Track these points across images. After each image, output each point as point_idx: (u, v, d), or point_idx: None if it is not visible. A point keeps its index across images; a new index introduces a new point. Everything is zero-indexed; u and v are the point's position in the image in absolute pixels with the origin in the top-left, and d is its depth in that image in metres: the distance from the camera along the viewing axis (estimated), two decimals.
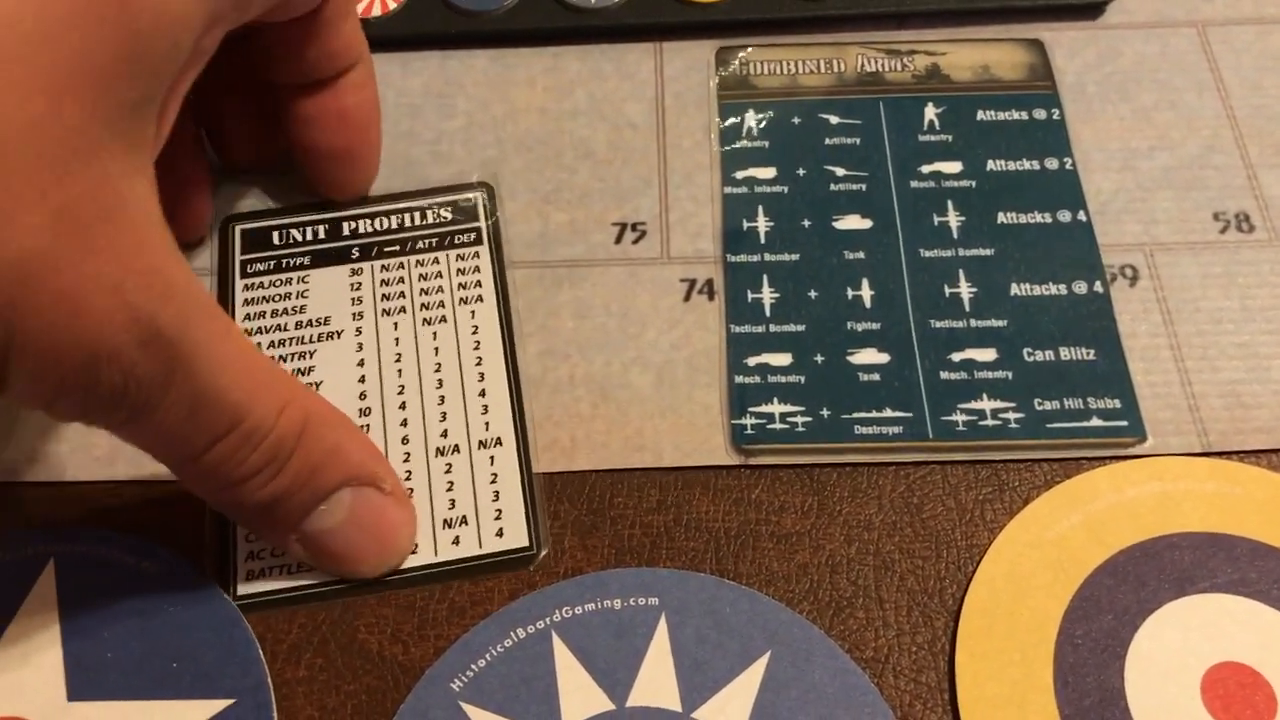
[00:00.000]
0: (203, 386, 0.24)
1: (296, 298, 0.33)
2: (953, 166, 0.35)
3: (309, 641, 0.29)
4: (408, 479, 0.31)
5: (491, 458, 0.31)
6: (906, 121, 0.36)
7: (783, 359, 0.32)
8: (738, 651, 0.28)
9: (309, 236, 0.35)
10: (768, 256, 0.34)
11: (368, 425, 0.32)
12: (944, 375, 0.32)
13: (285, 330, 0.33)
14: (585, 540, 0.30)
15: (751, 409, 0.31)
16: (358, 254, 0.34)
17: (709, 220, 0.35)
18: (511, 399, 0.32)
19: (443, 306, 0.33)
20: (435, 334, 0.33)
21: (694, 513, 0.30)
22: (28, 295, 0.20)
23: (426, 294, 0.33)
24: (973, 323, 0.32)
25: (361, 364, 0.32)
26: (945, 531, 0.30)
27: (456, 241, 0.34)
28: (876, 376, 0.32)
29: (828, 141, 0.36)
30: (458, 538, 0.30)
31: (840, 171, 0.35)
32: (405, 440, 0.31)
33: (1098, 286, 0.33)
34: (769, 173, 0.35)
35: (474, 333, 0.33)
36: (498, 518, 0.30)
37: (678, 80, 0.38)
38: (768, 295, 0.33)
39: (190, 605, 0.29)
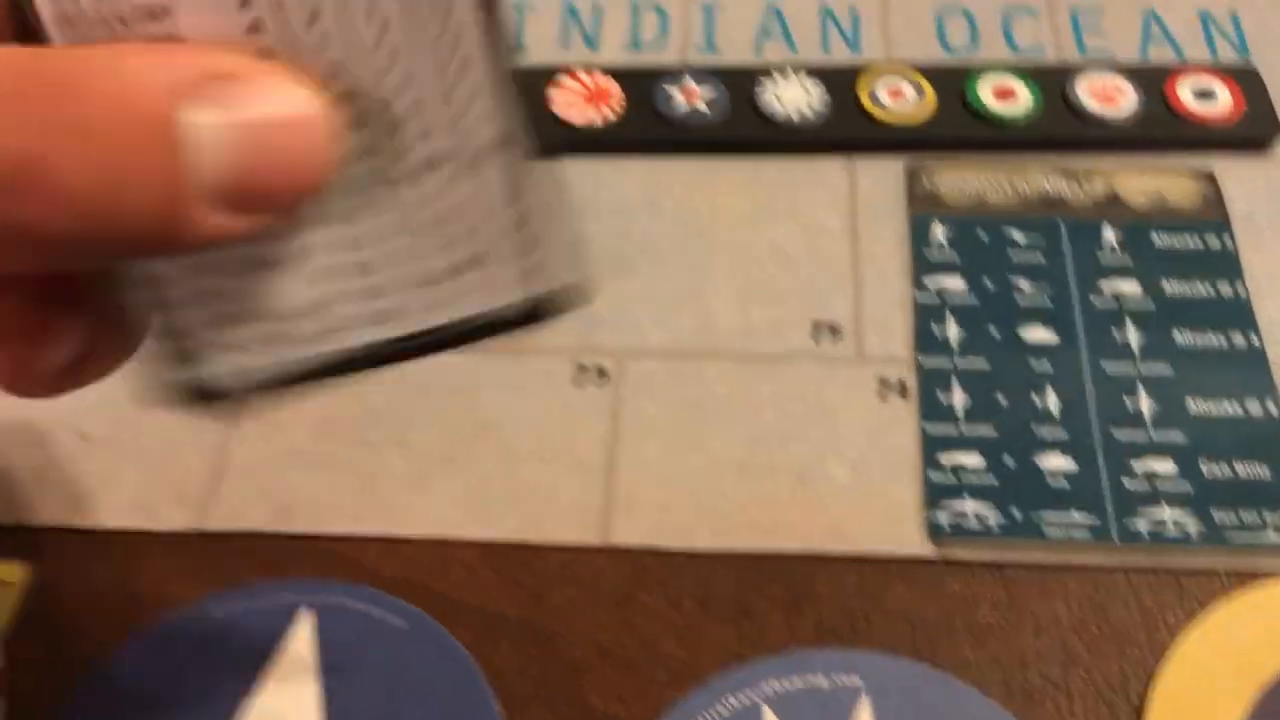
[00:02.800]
0: None
1: None
2: (1132, 287, 0.38)
3: (537, 695, 0.31)
4: None
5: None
6: (1086, 242, 0.39)
7: (974, 459, 0.34)
8: None
9: None
10: (958, 362, 0.36)
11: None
12: (1127, 483, 0.34)
13: None
14: (789, 619, 0.32)
15: (945, 504, 0.34)
16: None
17: (900, 324, 0.37)
18: None
19: None
20: None
21: (891, 600, 0.33)
22: None
23: None
24: (1153, 435, 0.35)
25: None
26: (1129, 632, 0.32)
27: None
28: (1064, 482, 0.34)
29: (1013, 257, 0.38)
30: None
31: (1025, 286, 0.38)
32: None
33: (1271, 409, 0.35)
34: (958, 283, 0.38)
35: None
36: None
37: (870, 192, 0.41)
38: (959, 398, 0.36)
39: (433, 659, 0.31)
